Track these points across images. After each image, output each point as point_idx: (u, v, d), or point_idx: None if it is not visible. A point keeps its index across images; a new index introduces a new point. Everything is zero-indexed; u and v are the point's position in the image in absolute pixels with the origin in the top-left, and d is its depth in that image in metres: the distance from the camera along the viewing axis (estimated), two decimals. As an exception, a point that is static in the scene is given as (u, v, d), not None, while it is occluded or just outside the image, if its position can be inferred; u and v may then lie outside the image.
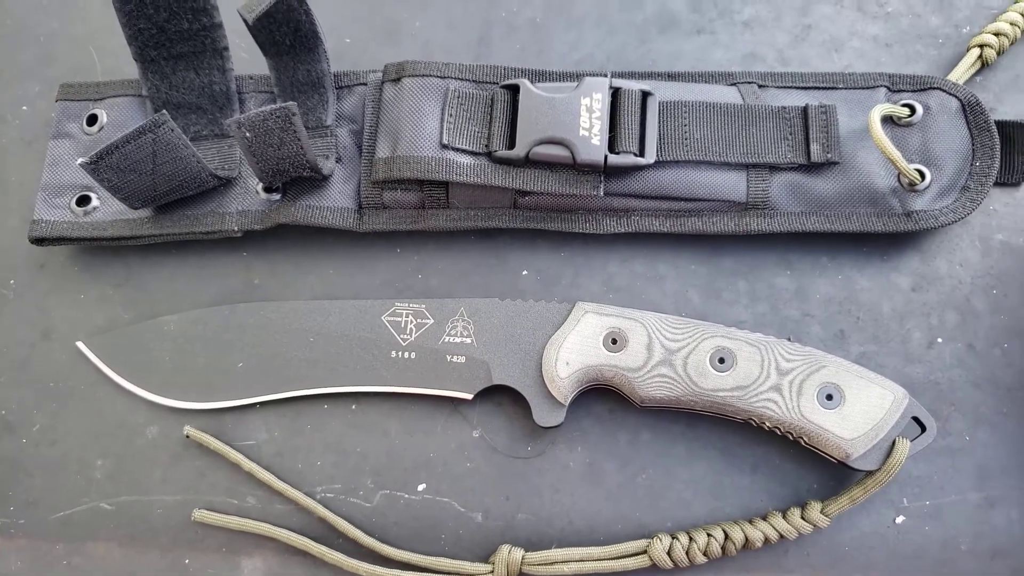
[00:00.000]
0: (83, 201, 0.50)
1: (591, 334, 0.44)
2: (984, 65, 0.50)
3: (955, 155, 0.47)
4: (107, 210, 0.50)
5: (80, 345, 0.48)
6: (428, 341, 0.46)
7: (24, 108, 0.54)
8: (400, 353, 0.46)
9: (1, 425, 0.48)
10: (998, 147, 0.46)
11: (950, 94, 0.48)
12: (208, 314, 0.48)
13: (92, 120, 0.51)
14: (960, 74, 0.49)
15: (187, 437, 0.46)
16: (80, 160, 0.44)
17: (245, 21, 0.45)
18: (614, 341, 0.44)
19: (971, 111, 0.47)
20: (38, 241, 0.49)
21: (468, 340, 0.45)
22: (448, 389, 0.45)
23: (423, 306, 0.46)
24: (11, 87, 0.55)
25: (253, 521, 0.45)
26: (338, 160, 0.49)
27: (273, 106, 0.43)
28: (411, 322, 0.46)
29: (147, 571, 0.45)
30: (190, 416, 0.47)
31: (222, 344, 0.47)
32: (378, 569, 0.43)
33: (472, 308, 0.46)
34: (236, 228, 0.48)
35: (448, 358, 0.45)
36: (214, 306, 0.48)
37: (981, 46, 0.49)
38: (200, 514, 0.45)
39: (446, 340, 0.45)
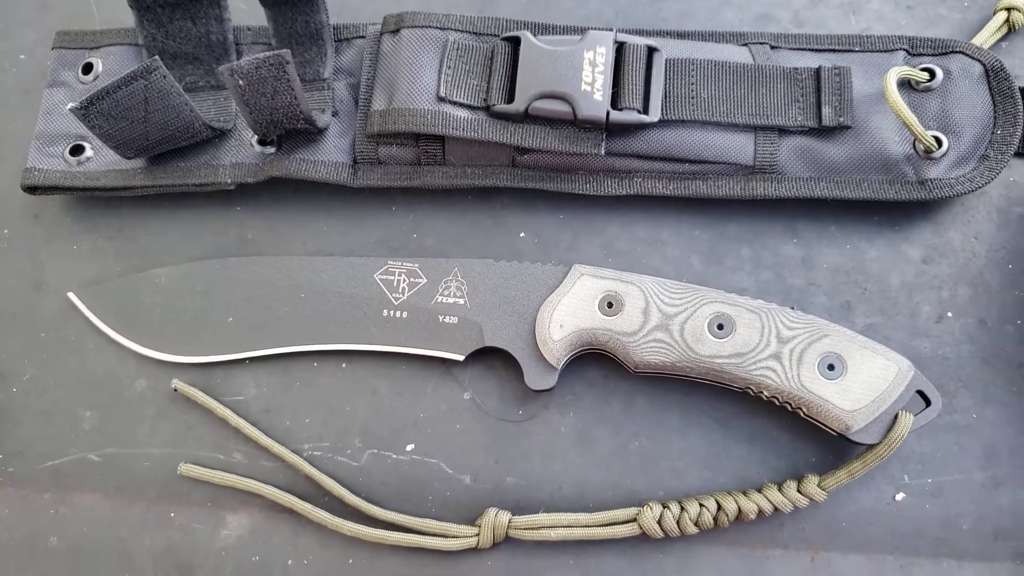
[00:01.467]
0: (77, 150, 0.49)
1: (586, 297, 0.43)
2: (1011, 30, 0.47)
3: (975, 122, 0.45)
4: (101, 160, 0.49)
5: (71, 296, 0.48)
6: (420, 301, 0.45)
7: (22, 57, 0.54)
8: (392, 312, 0.45)
9: (-9, 373, 0.48)
10: (1022, 115, 0.44)
11: (973, 58, 0.45)
12: (199, 267, 0.47)
13: (88, 68, 0.51)
14: (985, 38, 0.47)
15: (175, 391, 0.46)
16: (71, 105, 0.43)
17: (240, -34, 0.44)
18: (610, 304, 0.42)
19: (995, 77, 0.45)
20: (31, 189, 0.49)
21: (461, 301, 0.44)
22: (439, 350, 0.44)
23: (416, 265, 0.45)
24: (9, 36, 0.54)
25: (239, 477, 0.44)
26: (335, 114, 0.48)
27: (267, 53, 0.42)
28: (404, 281, 0.45)
29: (133, 523, 0.45)
30: (179, 370, 0.47)
31: (213, 298, 0.46)
32: (363, 528, 0.43)
33: (466, 268, 0.45)
34: (229, 180, 0.47)
35: (440, 318, 0.44)
36: (206, 259, 0.48)
37: (1008, 9, 0.47)
38: (186, 468, 0.45)
39: (439, 300, 0.44)
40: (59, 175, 0.49)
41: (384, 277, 0.45)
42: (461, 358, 0.44)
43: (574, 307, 0.43)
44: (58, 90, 0.51)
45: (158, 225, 0.49)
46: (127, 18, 0.49)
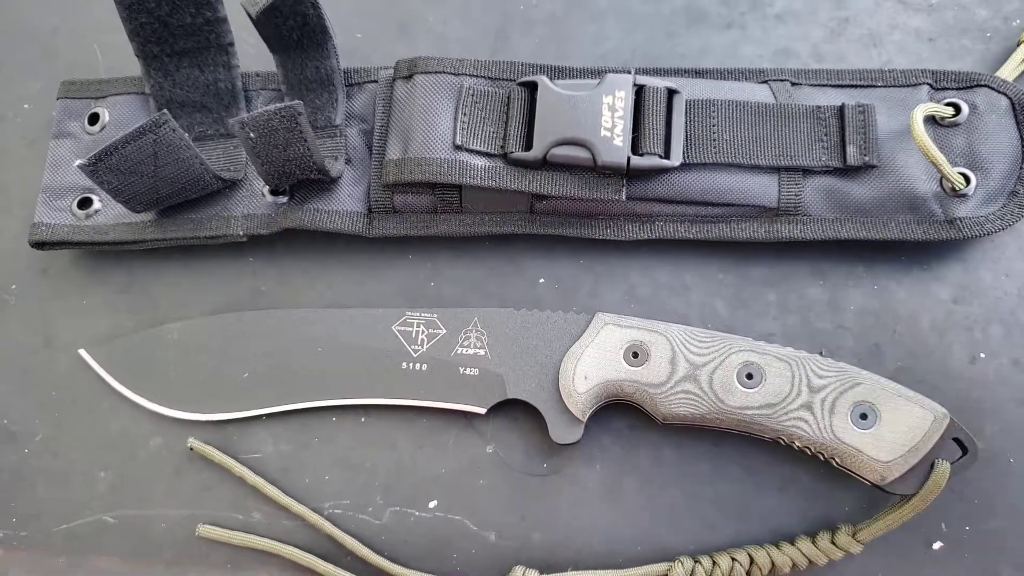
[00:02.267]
0: (85, 204, 0.48)
1: (611, 347, 0.42)
2: (1035, 60, 0.46)
3: (1003, 158, 0.44)
4: (109, 213, 0.48)
5: (83, 353, 0.47)
6: (440, 352, 0.44)
7: (26, 106, 0.53)
8: (411, 364, 0.44)
9: (3, 435, 0.47)
10: (1051, 149, 0.43)
11: (999, 92, 0.44)
12: (213, 322, 0.46)
13: (94, 119, 0.50)
14: (1010, 71, 0.46)
15: (191, 450, 0.45)
16: (78, 162, 0.42)
17: (249, 15, 0.43)
18: (635, 355, 0.41)
19: (1022, 110, 0.44)
20: (39, 245, 0.48)
21: (482, 352, 0.43)
22: (461, 403, 0.43)
23: (435, 315, 0.44)
24: (13, 85, 0.53)
25: (258, 537, 0.43)
26: (348, 161, 0.47)
27: (278, 105, 0.41)
28: (423, 332, 0.44)
29: (150, 587, 0.44)
30: (194, 427, 0.45)
31: (227, 353, 0.45)
32: (387, 590, 0.42)
33: (486, 318, 0.44)
34: (241, 232, 0.46)
35: (461, 370, 0.43)
36: (219, 313, 0.47)
37: (1032, 40, 0.46)
38: (204, 529, 0.43)
39: (459, 351, 0.43)
40: (67, 229, 0.48)
41: (402, 328, 0.44)
42: (483, 411, 0.43)
43: (599, 358, 0.42)
44: (64, 141, 0.50)
45: (169, 278, 0.49)
46: (133, 65, 0.48)
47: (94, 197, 0.48)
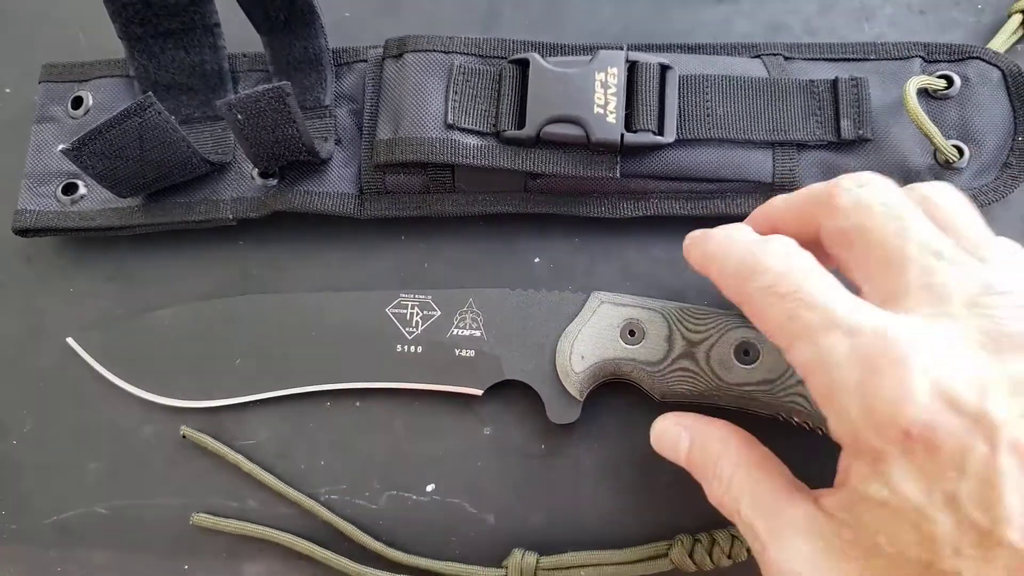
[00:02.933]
0: (70, 189, 0.47)
1: (607, 326, 0.41)
2: (1027, 32, 0.46)
3: (996, 129, 0.44)
4: (95, 199, 0.47)
5: (70, 341, 0.46)
6: (435, 334, 0.43)
7: (7, 91, 0.52)
8: (406, 347, 0.43)
9: (-10, 426, 0.46)
10: (1043, 120, 0.43)
11: (991, 64, 0.44)
12: (204, 307, 0.45)
13: (77, 103, 0.49)
14: (1001, 42, 0.46)
15: (183, 438, 0.44)
16: (61, 147, 0.42)
17: (235, -6, 0.43)
18: (632, 333, 0.41)
19: (1014, 82, 0.44)
20: (22, 232, 0.47)
21: (477, 333, 0.43)
22: (457, 385, 0.43)
23: (429, 297, 0.44)
24: (-8, 69, 0.52)
25: (254, 525, 0.43)
26: (337, 142, 0.46)
27: (266, 86, 0.40)
28: (417, 314, 0.43)
29: (145, 577, 0.43)
30: (187, 415, 0.45)
31: (219, 339, 0.45)
32: (385, 574, 0.41)
33: (481, 299, 0.43)
34: (231, 216, 0.46)
35: (457, 352, 0.43)
36: (210, 298, 0.46)
37: (1024, 12, 0.46)
38: (199, 518, 0.43)
39: (454, 333, 0.43)
40: (52, 216, 0.47)
41: (396, 311, 0.43)
42: (480, 393, 0.43)
43: (595, 337, 0.41)
44: (47, 126, 0.49)
45: (158, 264, 0.48)
46: (117, 47, 0.47)
47: (79, 183, 0.47)
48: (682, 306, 0.41)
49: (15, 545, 0.44)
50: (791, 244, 0.32)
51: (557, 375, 0.42)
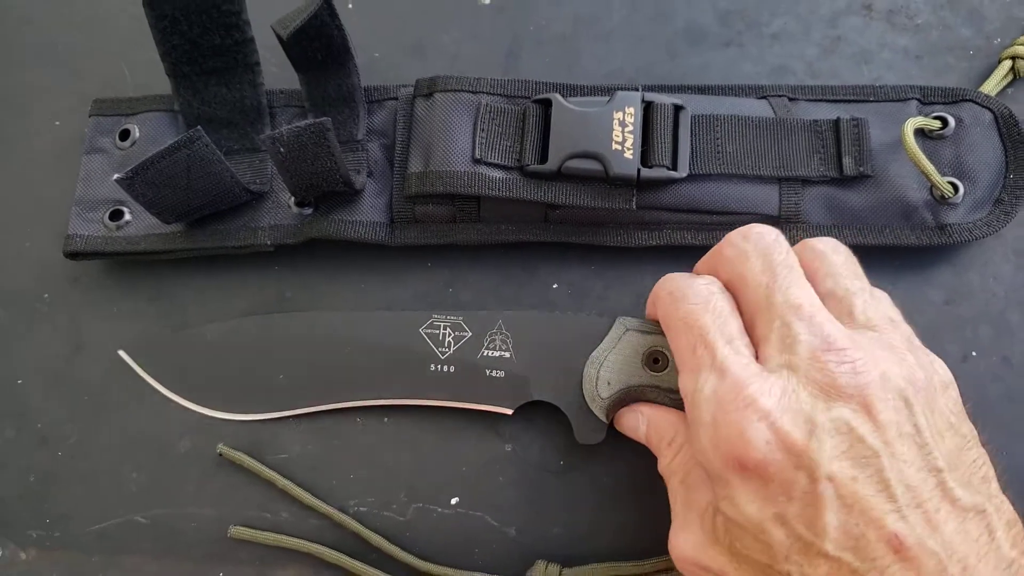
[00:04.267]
0: (116, 215, 0.50)
1: (632, 353, 0.43)
2: (1016, 77, 0.49)
3: (988, 168, 0.46)
4: (140, 224, 0.50)
5: (121, 353, 0.48)
6: (467, 354, 0.45)
7: (57, 123, 0.55)
8: (439, 367, 0.45)
9: (36, 438, 0.49)
10: (1032, 160, 0.46)
11: (983, 106, 0.47)
12: (247, 324, 0.48)
13: (125, 135, 0.52)
14: (992, 86, 0.49)
15: (220, 455, 0.46)
16: (116, 176, 0.45)
17: (279, 37, 0.46)
18: (656, 360, 0.43)
19: (1004, 124, 0.47)
20: (72, 255, 0.50)
21: (507, 354, 0.45)
22: (488, 404, 0.45)
23: (460, 318, 0.46)
24: (44, 102, 0.55)
25: (287, 536, 0.45)
26: (369, 174, 0.49)
27: (308, 121, 0.43)
28: (449, 335, 0.46)
29: (181, 584, 0.46)
30: (224, 428, 0.47)
31: (260, 355, 0.47)
32: (413, 583, 0.43)
33: (510, 321, 0.45)
34: (269, 242, 0.49)
35: (487, 372, 0.45)
36: (253, 315, 0.49)
37: (1013, 58, 0.49)
38: (236, 531, 0.45)
39: (485, 353, 0.45)
40: (100, 240, 0.50)
41: (429, 331, 0.46)
42: (510, 412, 0.45)
43: (620, 364, 0.43)
44: (96, 156, 0.52)
45: (197, 286, 0.50)
46: (160, 83, 0.50)
47: (125, 209, 0.50)
48: None
49: (59, 552, 0.47)
50: (714, 284, 0.37)
51: (584, 398, 0.43)
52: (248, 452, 0.47)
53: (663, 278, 0.40)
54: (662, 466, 0.40)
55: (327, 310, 0.49)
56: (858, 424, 0.31)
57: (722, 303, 0.36)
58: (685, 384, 0.36)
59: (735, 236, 0.38)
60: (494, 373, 0.45)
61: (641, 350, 0.43)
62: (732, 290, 0.37)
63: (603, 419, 0.43)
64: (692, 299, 0.36)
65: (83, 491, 0.48)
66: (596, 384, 0.43)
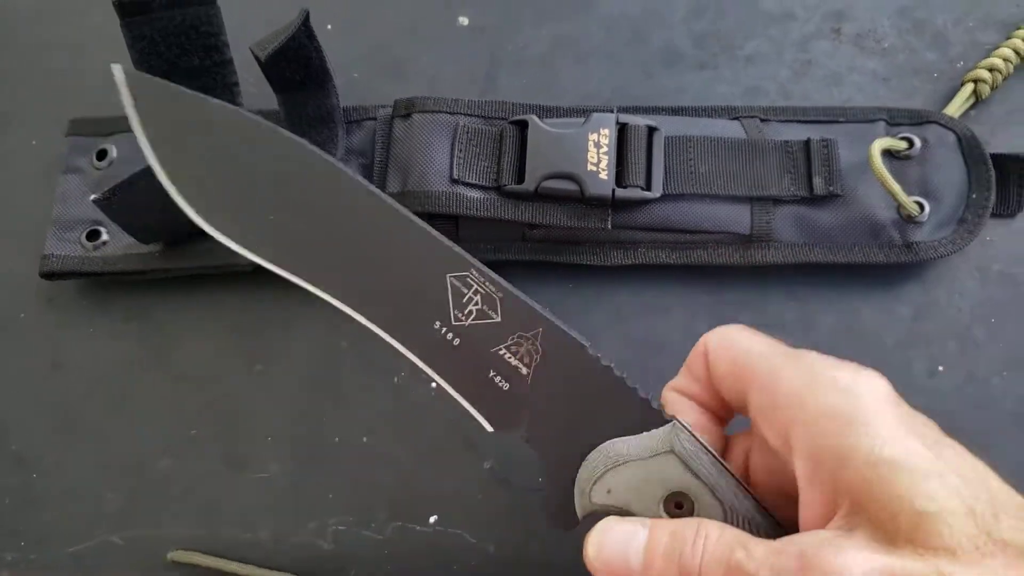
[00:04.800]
0: (93, 235, 0.50)
1: (657, 478, 0.33)
2: (978, 99, 0.51)
3: (952, 187, 0.48)
4: (117, 244, 0.50)
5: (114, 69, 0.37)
6: (481, 339, 0.35)
7: (34, 143, 0.55)
8: (444, 330, 0.36)
9: (12, 459, 0.48)
10: (994, 180, 0.47)
11: (947, 128, 0.49)
12: (264, 131, 0.37)
13: (102, 155, 0.52)
14: (956, 108, 0.50)
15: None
16: (93, 197, 0.45)
17: (257, 59, 0.46)
18: (679, 505, 0.33)
19: (967, 145, 0.48)
20: (49, 276, 0.49)
21: (524, 370, 0.35)
22: (474, 405, 0.36)
23: (499, 295, 0.36)
24: (21, 122, 0.55)
25: (228, 561, 0.45)
26: (348, 194, 0.50)
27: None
28: (476, 304, 0.36)
29: (159, 606, 0.45)
30: (201, 446, 0.47)
31: (263, 177, 0.37)
32: (392, 602, 0.43)
33: (551, 339, 0.35)
34: (247, 262, 0.48)
35: (491, 374, 0.35)
36: (225, 344, 0.49)
37: (975, 81, 0.50)
38: (176, 555, 0.45)
39: (500, 353, 0.35)
40: (77, 260, 0.49)
41: (457, 284, 0.36)
42: (490, 429, 0.36)
43: (636, 482, 0.33)
44: (73, 176, 0.52)
45: (175, 306, 0.50)
46: (138, 103, 0.50)
47: (102, 229, 0.50)
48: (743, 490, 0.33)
49: (36, 574, 0.46)
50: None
51: (571, 480, 0.35)
52: (226, 467, 0.47)
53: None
54: None
55: (299, 327, 0.48)
56: None
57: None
58: None
59: (710, 337, 0.36)
60: (498, 380, 0.35)
61: (670, 484, 0.33)
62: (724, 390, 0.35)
63: (578, 514, 0.35)
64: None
65: (59, 512, 0.47)
66: (593, 483, 0.34)
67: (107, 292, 0.51)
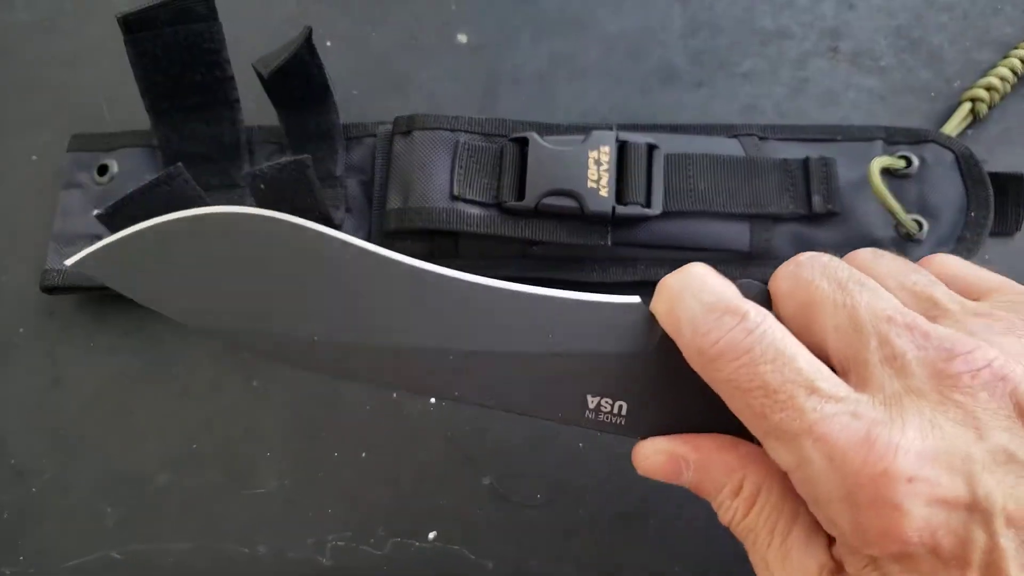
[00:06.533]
0: (94, 250, 0.50)
1: None
2: (975, 118, 0.51)
3: (951, 206, 0.48)
4: (118, 259, 0.50)
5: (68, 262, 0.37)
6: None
7: (34, 157, 0.55)
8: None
9: (11, 473, 0.48)
10: (992, 198, 0.48)
11: (945, 147, 0.49)
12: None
13: (103, 170, 0.52)
14: (953, 127, 0.50)
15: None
16: (96, 212, 0.45)
17: (260, 76, 0.46)
18: None
19: (965, 163, 0.49)
20: (49, 290, 0.50)
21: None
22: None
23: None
24: (22, 136, 0.55)
25: None
26: (348, 211, 0.50)
27: (288, 159, 0.44)
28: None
29: (157, 622, 0.45)
30: (200, 460, 0.47)
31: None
32: (390, 619, 0.43)
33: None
34: (247, 277, 0.49)
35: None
36: (222, 355, 0.49)
37: (973, 100, 0.51)
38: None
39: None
40: (77, 275, 0.49)
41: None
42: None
43: None
44: (74, 191, 0.52)
45: (174, 322, 0.50)
46: (139, 119, 0.51)
47: (103, 244, 0.50)
48: None
49: (32, 591, 0.46)
50: (748, 321, 0.29)
51: None
52: (225, 482, 0.47)
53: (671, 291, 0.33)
54: (730, 522, 0.31)
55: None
56: (1017, 447, 0.25)
57: (770, 335, 0.28)
58: (778, 457, 0.28)
59: (788, 266, 0.32)
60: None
61: None
62: (796, 326, 0.30)
63: None
64: (731, 353, 0.28)
65: (58, 527, 0.47)
66: None
67: (107, 307, 0.51)
